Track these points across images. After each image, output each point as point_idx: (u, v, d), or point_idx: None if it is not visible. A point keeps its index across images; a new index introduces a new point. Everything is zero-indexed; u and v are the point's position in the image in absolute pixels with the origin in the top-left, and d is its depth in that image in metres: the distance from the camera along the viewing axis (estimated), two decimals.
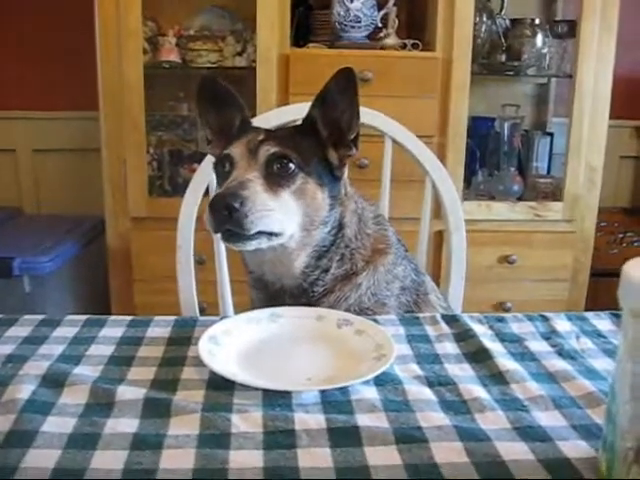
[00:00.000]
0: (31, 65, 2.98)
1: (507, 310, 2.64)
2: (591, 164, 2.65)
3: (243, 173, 1.05)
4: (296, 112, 1.42)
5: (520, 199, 2.72)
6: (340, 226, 1.15)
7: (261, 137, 1.10)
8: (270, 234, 1.04)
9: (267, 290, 1.19)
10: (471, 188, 2.77)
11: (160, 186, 2.76)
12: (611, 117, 2.63)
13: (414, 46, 2.55)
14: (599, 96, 2.60)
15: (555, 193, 2.75)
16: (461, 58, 2.49)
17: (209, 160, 1.54)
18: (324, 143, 1.13)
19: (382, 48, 2.55)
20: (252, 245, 1.05)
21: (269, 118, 1.52)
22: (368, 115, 1.55)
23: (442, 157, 2.30)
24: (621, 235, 2.97)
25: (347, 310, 1.13)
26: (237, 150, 1.10)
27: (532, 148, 2.90)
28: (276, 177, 1.06)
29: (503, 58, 2.74)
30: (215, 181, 1.20)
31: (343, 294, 1.15)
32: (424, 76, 2.50)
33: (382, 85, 2.44)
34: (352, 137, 1.13)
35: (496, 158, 2.79)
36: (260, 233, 1.03)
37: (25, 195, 3.11)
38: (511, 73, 2.84)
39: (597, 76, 2.58)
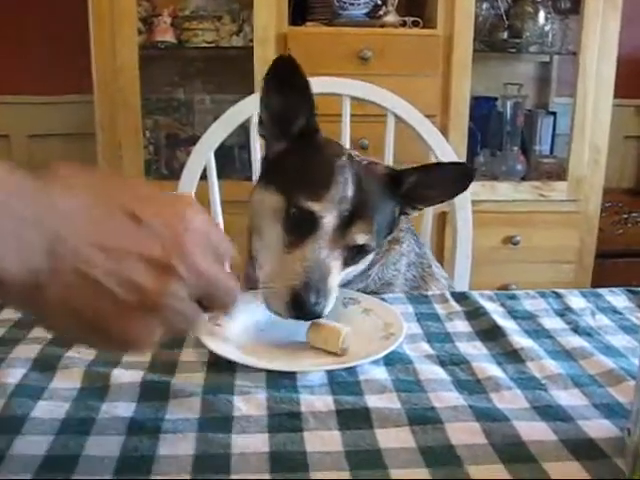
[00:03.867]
0: (24, 49, 2.91)
1: None
2: (595, 144, 2.61)
3: (326, 252, 0.93)
4: None
5: (523, 179, 2.67)
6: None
7: (348, 206, 0.95)
8: None
9: None
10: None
11: (157, 170, 2.73)
12: (615, 96, 2.58)
13: (414, 23, 2.50)
14: (603, 74, 2.55)
15: (559, 173, 2.70)
16: (462, 35, 2.43)
17: (204, 142, 1.50)
18: (399, 201, 1.04)
19: (382, 26, 2.50)
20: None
21: None
22: (367, 90, 1.52)
23: (444, 137, 2.25)
24: (626, 216, 2.93)
25: None
26: (325, 215, 0.94)
27: (535, 128, 2.85)
28: (350, 254, 0.97)
29: (505, 35, 2.69)
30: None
31: (350, 286, 1.07)
32: (425, 54, 2.45)
33: (382, 63, 2.39)
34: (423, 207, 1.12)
35: (499, 138, 2.74)
36: None
37: None
38: (513, 50, 2.78)
39: (601, 54, 2.53)
